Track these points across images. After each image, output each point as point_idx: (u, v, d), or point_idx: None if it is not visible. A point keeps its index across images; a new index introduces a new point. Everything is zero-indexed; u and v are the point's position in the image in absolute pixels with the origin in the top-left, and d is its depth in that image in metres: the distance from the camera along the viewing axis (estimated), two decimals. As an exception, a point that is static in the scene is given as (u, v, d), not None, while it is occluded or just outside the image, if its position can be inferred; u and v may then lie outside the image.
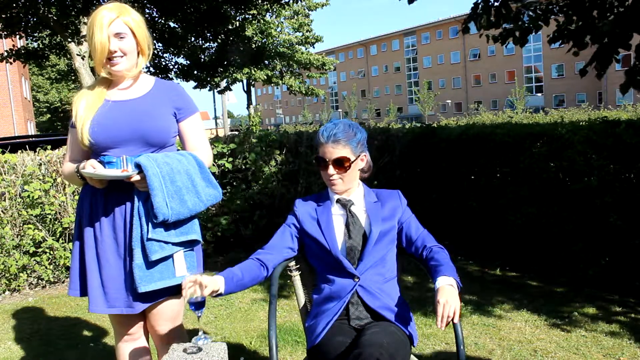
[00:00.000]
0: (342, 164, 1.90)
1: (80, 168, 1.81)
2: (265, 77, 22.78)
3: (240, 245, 5.10)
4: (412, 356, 1.87)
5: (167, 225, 1.83)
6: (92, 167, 1.75)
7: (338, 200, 1.97)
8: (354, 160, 1.92)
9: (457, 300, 1.67)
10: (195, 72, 18.48)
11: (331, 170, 1.90)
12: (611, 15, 4.56)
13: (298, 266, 2.04)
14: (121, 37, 1.80)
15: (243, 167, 5.10)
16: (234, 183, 5.14)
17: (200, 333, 1.69)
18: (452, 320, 1.63)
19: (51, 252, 4.58)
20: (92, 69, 9.47)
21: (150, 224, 1.81)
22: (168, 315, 1.97)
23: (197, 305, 1.63)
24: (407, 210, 2.01)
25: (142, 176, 1.77)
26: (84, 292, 1.91)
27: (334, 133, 1.91)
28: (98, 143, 1.82)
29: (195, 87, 20.19)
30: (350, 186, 1.96)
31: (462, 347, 1.70)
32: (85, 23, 9.06)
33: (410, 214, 2.01)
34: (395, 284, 1.97)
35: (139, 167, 1.78)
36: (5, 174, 4.59)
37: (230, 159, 5.03)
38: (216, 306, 3.91)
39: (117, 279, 1.85)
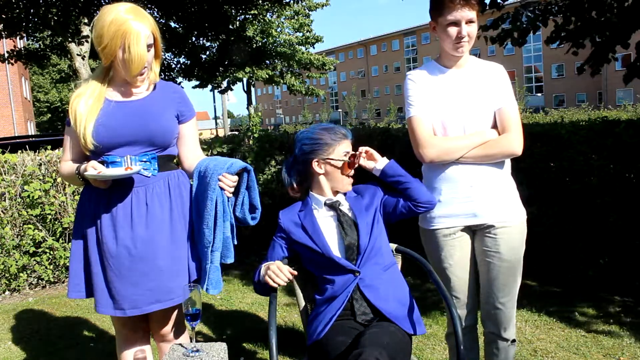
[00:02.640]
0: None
1: (82, 170, 1.79)
2: (267, 77, 22.77)
3: (240, 245, 5.09)
4: (412, 356, 1.87)
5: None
6: (93, 169, 1.73)
7: (325, 203, 1.98)
8: None
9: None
10: (197, 72, 18.49)
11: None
12: (611, 15, 4.57)
13: (297, 267, 2.04)
14: (148, 50, 1.80)
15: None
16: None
17: (193, 345, 1.69)
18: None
19: (51, 252, 4.58)
20: (93, 70, 9.47)
21: (234, 227, 1.91)
22: (172, 316, 1.97)
23: (193, 317, 1.64)
24: (381, 192, 2.04)
25: (234, 180, 1.83)
26: (89, 293, 1.89)
27: (348, 130, 2.01)
28: (103, 144, 1.80)
29: (196, 87, 20.20)
30: None
31: (462, 347, 1.70)
32: (85, 23, 9.06)
33: (385, 193, 2.04)
34: (395, 269, 1.97)
35: (241, 172, 1.86)
36: (5, 174, 4.59)
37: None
38: (216, 306, 3.91)
39: (121, 280, 1.83)
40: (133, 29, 1.73)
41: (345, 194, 2.02)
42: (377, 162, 2.00)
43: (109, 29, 1.74)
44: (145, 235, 1.81)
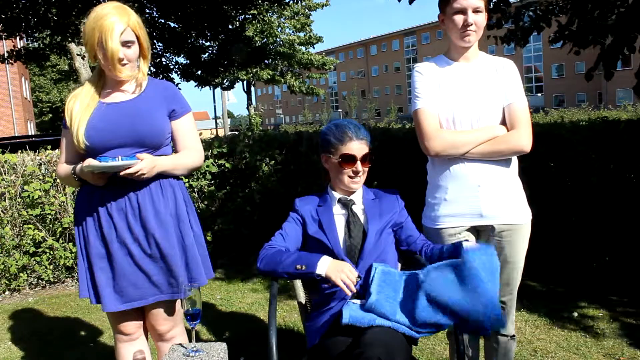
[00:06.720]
0: (368, 161, 1.94)
1: (77, 170, 1.82)
2: (269, 76, 22.81)
3: (240, 245, 5.09)
4: (411, 356, 1.87)
5: None
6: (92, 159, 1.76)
7: (339, 200, 1.97)
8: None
9: None
10: (197, 72, 18.46)
11: (359, 166, 1.92)
12: (612, 15, 4.55)
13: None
14: (128, 46, 1.81)
15: (242, 166, 5.10)
16: (235, 183, 5.14)
17: (193, 345, 1.69)
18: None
19: (51, 252, 4.58)
20: (92, 69, 9.47)
21: None
22: (167, 314, 1.97)
23: (193, 317, 1.63)
24: (404, 211, 2.02)
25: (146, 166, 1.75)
26: (96, 295, 1.90)
27: (361, 130, 1.95)
28: (94, 147, 1.82)
29: (197, 86, 20.17)
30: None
31: (462, 347, 1.70)
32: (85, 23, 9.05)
33: (407, 216, 2.02)
34: None
35: None
36: (5, 174, 4.59)
37: (230, 159, 5.03)
38: (216, 306, 3.91)
39: (107, 277, 1.85)
40: (107, 24, 1.75)
41: (362, 194, 1.99)
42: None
43: (89, 25, 1.78)
44: (140, 235, 1.84)
